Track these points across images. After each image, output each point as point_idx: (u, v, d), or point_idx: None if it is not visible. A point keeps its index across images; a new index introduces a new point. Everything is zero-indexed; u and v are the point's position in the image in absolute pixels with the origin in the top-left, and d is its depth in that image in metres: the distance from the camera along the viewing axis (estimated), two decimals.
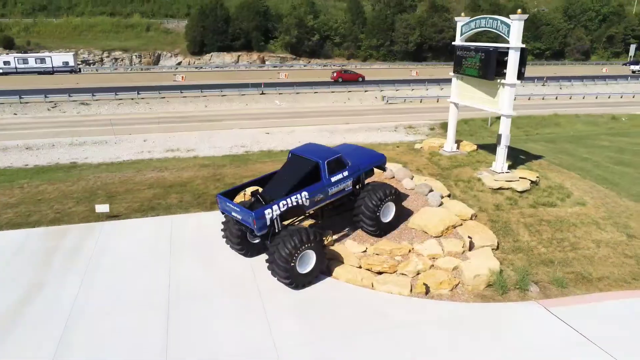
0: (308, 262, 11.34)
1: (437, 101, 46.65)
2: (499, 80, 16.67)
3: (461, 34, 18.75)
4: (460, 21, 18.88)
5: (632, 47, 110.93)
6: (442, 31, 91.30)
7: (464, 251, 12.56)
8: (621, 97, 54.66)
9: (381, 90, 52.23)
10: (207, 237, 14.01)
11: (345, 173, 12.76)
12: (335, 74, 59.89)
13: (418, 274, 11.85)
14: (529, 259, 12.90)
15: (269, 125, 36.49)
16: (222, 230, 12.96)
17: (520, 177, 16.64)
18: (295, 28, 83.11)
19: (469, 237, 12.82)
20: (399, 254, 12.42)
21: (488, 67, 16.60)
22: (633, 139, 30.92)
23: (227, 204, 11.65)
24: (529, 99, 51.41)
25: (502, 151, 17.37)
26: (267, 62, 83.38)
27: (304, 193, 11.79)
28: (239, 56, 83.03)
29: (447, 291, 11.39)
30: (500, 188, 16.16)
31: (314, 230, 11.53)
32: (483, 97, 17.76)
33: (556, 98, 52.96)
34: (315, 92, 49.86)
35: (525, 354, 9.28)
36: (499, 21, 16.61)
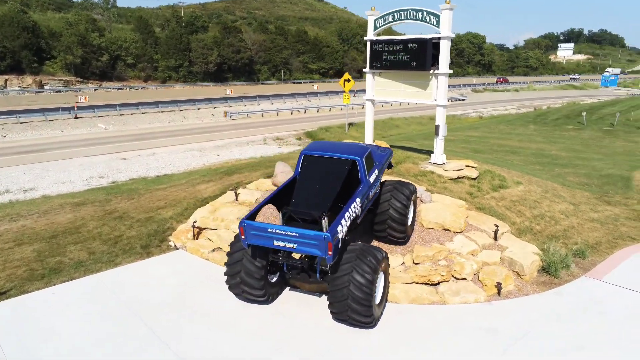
0: (378, 290, 8.68)
1: (277, 114, 46.00)
2: (431, 71, 16.50)
3: (374, 29, 18.09)
4: (373, 15, 18.24)
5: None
6: (240, 51, 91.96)
7: (492, 242, 11.61)
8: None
9: (230, 106, 49.06)
10: (184, 292, 9.78)
11: (377, 172, 10.44)
12: None
13: (476, 275, 10.36)
14: (536, 237, 12.74)
15: (111, 150, 29.87)
16: (229, 273, 9.07)
17: (466, 166, 16.73)
18: (78, 47, 72.04)
19: (496, 225, 11.93)
20: (441, 258, 10.70)
21: (424, 57, 16.26)
22: (465, 132, 35.75)
23: (270, 229, 8.06)
24: (341, 109, 55.34)
25: (440, 142, 17.30)
26: (46, 87, 69.87)
27: (357, 200, 9.05)
28: (6, 80, 67.45)
29: (512, 286, 10.19)
30: (458, 177, 15.91)
31: (375, 246, 8.91)
32: (412, 90, 17.40)
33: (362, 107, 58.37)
34: (142, 113, 43.48)
35: None
36: (424, 12, 16.48)
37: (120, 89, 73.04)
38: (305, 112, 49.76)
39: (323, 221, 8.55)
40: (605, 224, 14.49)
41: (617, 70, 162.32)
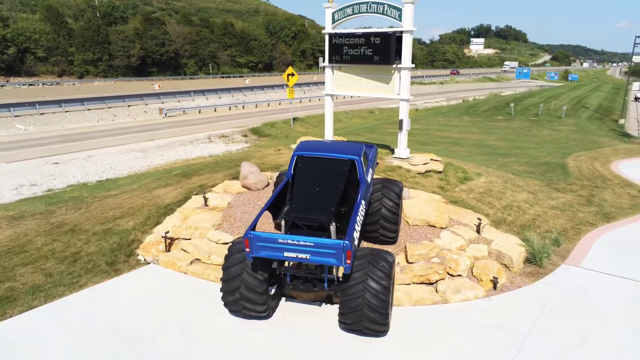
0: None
1: (215, 110, 44.15)
2: (394, 65, 16.39)
3: (333, 22, 17.64)
4: (330, 8, 17.77)
5: (320, 60, 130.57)
6: (164, 44, 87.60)
7: (477, 236, 11.69)
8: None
9: (163, 103, 46.07)
10: (172, 311, 8.79)
11: (371, 171, 10.01)
12: None
13: (470, 270, 10.34)
14: (511, 228, 13.05)
15: (38, 154, 26.82)
16: (226, 289, 8.21)
17: (431, 159, 16.86)
18: None
19: (479, 219, 12.01)
20: (433, 255, 10.56)
21: (387, 52, 16.08)
22: (414, 124, 36.38)
23: (281, 240, 7.33)
24: (256, 106, 54.50)
25: (404, 137, 17.27)
26: None
27: (363, 202, 8.55)
28: None
29: (504, 279, 10.29)
30: (426, 171, 15.97)
31: (383, 250, 8.49)
32: (374, 84, 17.18)
33: (290, 103, 58.00)
34: (66, 111, 39.70)
35: None
36: (386, 5, 16.28)
37: (31, 85, 66.50)
38: (243, 108, 48.26)
39: (331, 227, 8.01)
40: (564, 211, 15.22)
41: (515, 64, 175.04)
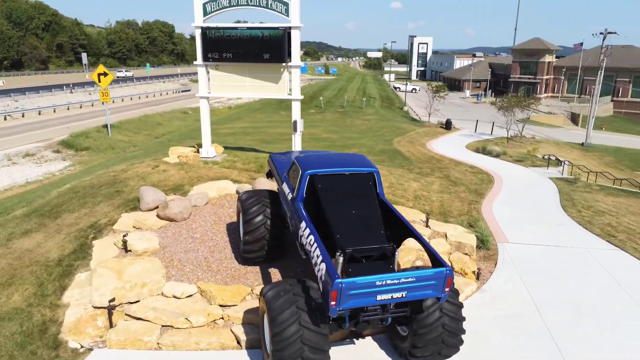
0: None
1: (5, 119, 33.87)
2: (284, 64, 15.42)
3: (205, 14, 15.50)
4: None
5: (84, 56, 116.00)
6: None
7: (430, 231, 12.01)
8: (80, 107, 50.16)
9: None
10: None
11: None
12: None
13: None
14: (437, 217, 13.82)
15: None
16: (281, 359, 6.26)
17: None
18: None
19: (427, 213, 12.28)
20: (414, 259, 10.40)
21: (280, 49, 14.98)
22: (232, 124, 35.09)
23: (379, 282, 5.87)
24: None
25: (299, 138, 16.52)
26: None
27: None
28: None
29: (475, 267, 10.85)
30: None
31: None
32: (262, 84, 15.85)
33: (68, 108, 49.88)
34: None
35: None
36: None
37: None
38: (23, 116, 37.95)
39: (396, 254, 6.97)
40: (449, 194, 16.96)
41: None
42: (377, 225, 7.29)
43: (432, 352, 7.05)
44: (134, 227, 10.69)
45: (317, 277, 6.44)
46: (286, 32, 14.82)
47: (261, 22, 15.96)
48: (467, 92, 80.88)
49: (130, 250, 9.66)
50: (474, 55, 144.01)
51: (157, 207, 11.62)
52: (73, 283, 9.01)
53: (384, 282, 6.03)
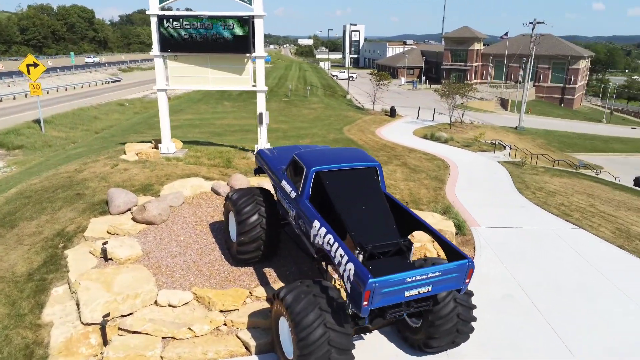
0: None
1: None
2: (248, 54, 14.92)
3: (161, 1, 14.57)
4: None
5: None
6: None
7: None
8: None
9: None
10: None
11: None
12: None
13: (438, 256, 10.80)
14: (411, 207, 14.09)
15: None
16: None
17: None
18: None
19: (406, 204, 12.43)
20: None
21: (246, 39, 14.46)
22: (176, 116, 33.59)
23: (409, 278, 5.84)
24: None
25: (264, 131, 16.13)
26: None
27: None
28: None
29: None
30: None
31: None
32: (225, 76, 15.24)
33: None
34: None
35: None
36: None
37: None
38: None
39: (412, 249, 6.99)
40: (415, 181, 17.37)
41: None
42: (388, 219, 7.26)
43: (447, 342, 7.20)
44: (108, 232, 9.93)
45: (342, 276, 6.30)
46: (251, 21, 14.31)
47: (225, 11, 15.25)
48: (403, 80, 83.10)
49: (111, 259, 8.97)
50: (405, 43, 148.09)
51: (128, 210, 10.89)
52: (51, 299, 8.23)
53: (414, 279, 6.03)
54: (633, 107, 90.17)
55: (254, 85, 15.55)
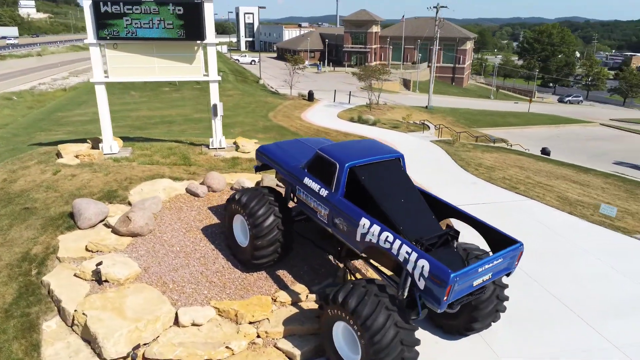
0: None
1: None
2: (198, 41, 13.85)
3: None
4: None
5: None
6: None
7: None
8: None
9: None
10: None
11: None
12: None
13: None
14: None
15: None
16: None
17: (242, 145, 15.57)
18: None
19: None
20: None
21: (197, 25, 13.38)
22: (88, 110, 30.33)
23: (480, 268, 5.87)
24: None
25: (219, 123, 15.19)
26: None
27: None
28: None
29: None
30: None
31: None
32: (173, 65, 14.01)
33: None
34: None
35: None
36: None
37: None
38: None
39: (458, 238, 7.07)
40: None
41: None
42: (427, 210, 7.27)
43: (488, 323, 7.47)
44: (88, 250, 8.69)
45: (410, 274, 6.17)
46: (202, 5, 13.24)
47: None
48: (307, 62, 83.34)
49: (106, 281, 7.88)
50: (300, 26, 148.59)
51: (100, 222, 9.63)
52: (45, 336, 7.03)
53: (483, 268, 6.12)
54: (508, 83, 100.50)
55: (205, 75, 14.51)
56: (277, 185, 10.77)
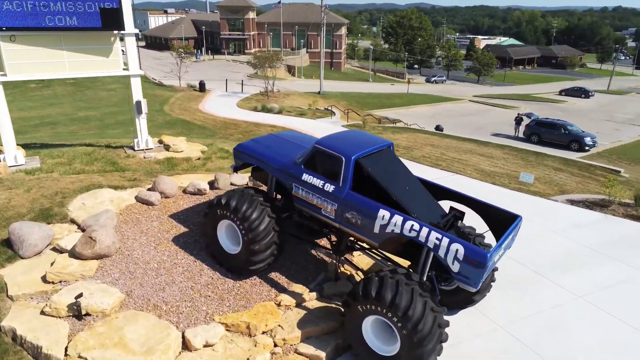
0: None
1: None
2: (115, 32, 12.41)
3: None
4: None
5: None
6: None
7: None
8: None
9: None
10: None
11: None
12: None
13: None
14: None
15: None
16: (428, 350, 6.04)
17: (187, 141, 14.51)
18: None
19: None
20: None
21: (116, 12, 11.90)
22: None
23: (504, 245, 6.20)
24: None
25: (144, 121, 13.83)
26: None
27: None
28: None
29: None
30: (199, 158, 13.88)
31: None
32: (86, 60, 12.37)
33: None
34: None
35: None
36: None
37: None
38: None
39: (463, 219, 7.42)
40: None
41: None
42: (428, 195, 7.51)
43: (485, 294, 8.03)
44: (48, 282, 7.38)
45: (442, 260, 6.34)
46: None
47: None
48: (196, 52, 79.18)
49: (87, 314, 6.80)
50: (166, 12, 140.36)
51: (48, 247, 8.25)
52: None
53: (504, 244, 6.53)
54: (380, 66, 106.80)
55: (125, 69, 13.02)
56: (247, 184, 10.21)
